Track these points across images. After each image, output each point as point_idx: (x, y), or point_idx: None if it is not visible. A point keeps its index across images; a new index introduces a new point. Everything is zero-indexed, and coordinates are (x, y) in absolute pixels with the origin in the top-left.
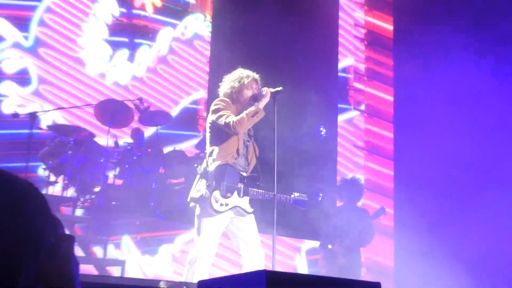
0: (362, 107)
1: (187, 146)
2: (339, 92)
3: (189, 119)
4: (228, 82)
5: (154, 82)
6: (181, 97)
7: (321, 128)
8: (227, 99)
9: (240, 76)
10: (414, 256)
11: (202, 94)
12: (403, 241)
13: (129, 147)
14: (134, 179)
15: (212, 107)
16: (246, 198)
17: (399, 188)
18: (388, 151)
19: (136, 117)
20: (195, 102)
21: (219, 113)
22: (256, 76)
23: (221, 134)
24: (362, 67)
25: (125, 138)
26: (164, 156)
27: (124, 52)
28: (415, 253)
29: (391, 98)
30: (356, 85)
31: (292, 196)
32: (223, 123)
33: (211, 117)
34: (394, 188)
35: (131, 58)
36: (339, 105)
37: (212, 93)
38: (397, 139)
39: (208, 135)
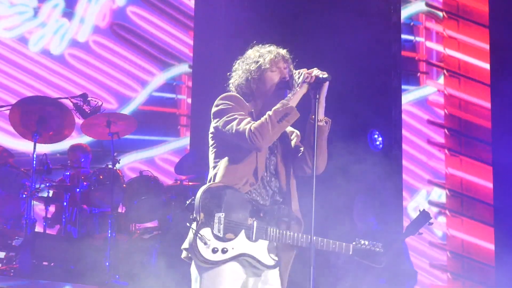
0: (440, 80)
1: (160, 152)
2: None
3: (163, 114)
4: (240, 68)
5: (106, 50)
6: (150, 74)
7: (375, 135)
8: (237, 95)
9: (257, 53)
10: None
11: (184, 68)
12: None
13: (68, 173)
14: (77, 225)
15: (214, 108)
16: (263, 243)
17: (503, 209)
18: (484, 151)
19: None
20: (171, 88)
21: (227, 117)
22: (283, 51)
23: (231, 148)
24: None
25: (60, 158)
26: (125, 186)
27: (58, 3)
28: None
29: (486, 66)
30: (431, 45)
31: (353, 243)
32: (233, 132)
33: (213, 123)
34: (494, 210)
35: (68, 13)
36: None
37: (200, 67)
38: (496, 131)
39: (211, 151)
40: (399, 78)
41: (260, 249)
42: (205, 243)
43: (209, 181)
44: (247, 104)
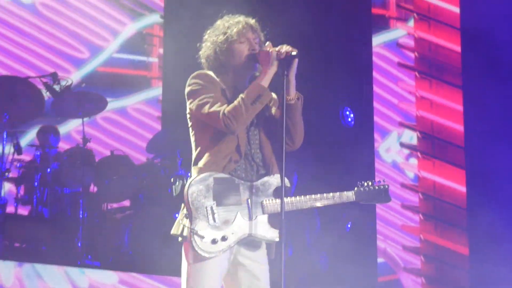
0: (410, 23)
1: (132, 102)
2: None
3: (134, 76)
4: (210, 40)
5: None
6: (122, 24)
7: (347, 112)
8: (208, 72)
9: (224, 25)
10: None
11: (155, 18)
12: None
13: (38, 153)
14: (48, 205)
15: (187, 89)
16: (263, 218)
17: (474, 151)
18: (453, 93)
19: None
20: (142, 51)
21: (199, 100)
22: (252, 21)
23: (209, 128)
24: None
25: (29, 138)
26: (95, 165)
27: None
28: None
29: (456, 10)
30: None
31: (355, 189)
32: (206, 116)
33: (188, 105)
34: (465, 151)
35: None
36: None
37: (172, 17)
38: (466, 78)
39: (191, 132)
40: (369, 52)
41: (261, 225)
42: (203, 237)
43: (193, 163)
44: (217, 80)
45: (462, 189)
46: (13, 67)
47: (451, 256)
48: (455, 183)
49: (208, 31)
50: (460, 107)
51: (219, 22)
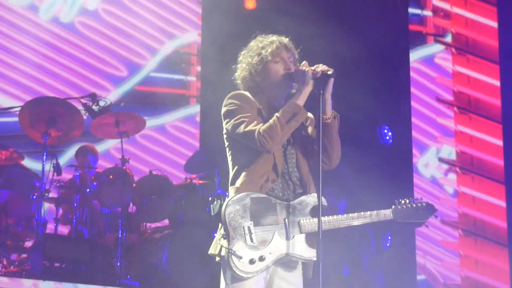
0: (448, 39)
1: (170, 120)
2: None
3: (173, 81)
4: (244, 61)
5: (115, 17)
6: (160, 42)
7: (385, 130)
8: (245, 92)
9: (259, 44)
10: None
11: (193, 37)
12: None
13: (77, 173)
14: (88, 225)
15: (223, 109)
16: (300, 238)
17: None
18: (492, 108)
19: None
20: (180, 69)
21: (235, 120)
22: (285, 39)
23: (246, 148)
24: None
25: (68, 157)
26: (134, 185)
27: None
28: None
29: (494, 24)
30: (438, 3)
31: (393, 207)
32: (242, 135)
33: (224, 125)
34: (505, 166)
35: None
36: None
37: (209, 36)
38: (506, 89)
39: (228, 151)
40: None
41: (299, 245)
42: (240, 257)
43: (231, 183)
44: (254, 100)
45: (502, 204)
46: (53, 85)
47: (492, 272)
48: (495, 198)
49: (243, 52)
50: (499, 123)
51: (252, 43)
